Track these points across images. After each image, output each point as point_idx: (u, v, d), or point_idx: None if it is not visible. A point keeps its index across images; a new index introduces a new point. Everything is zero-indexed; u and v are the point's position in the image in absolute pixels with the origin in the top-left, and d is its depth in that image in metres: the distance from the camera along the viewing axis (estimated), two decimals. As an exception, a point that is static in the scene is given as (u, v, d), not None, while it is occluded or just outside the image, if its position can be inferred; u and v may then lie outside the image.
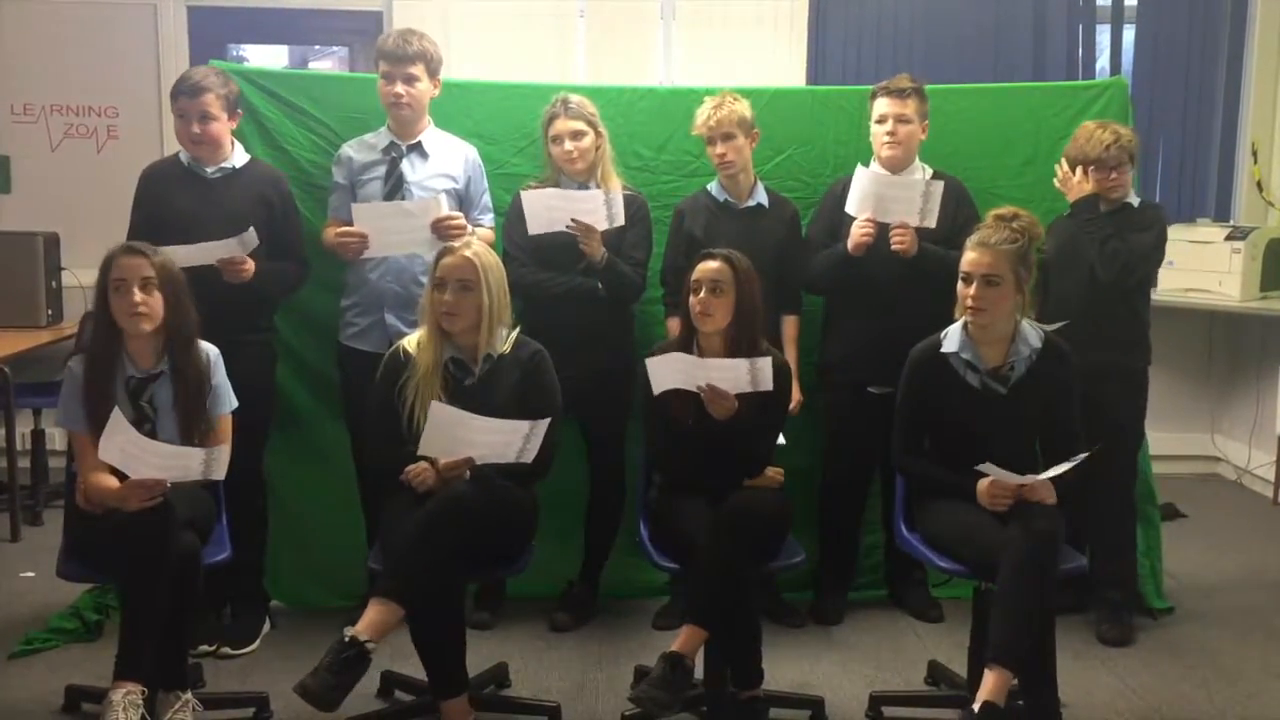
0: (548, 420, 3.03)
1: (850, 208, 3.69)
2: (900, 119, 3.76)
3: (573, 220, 3.58)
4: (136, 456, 2.85)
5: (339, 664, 2.77)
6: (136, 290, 2.98)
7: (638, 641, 3.76)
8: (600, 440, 3.89)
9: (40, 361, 4.99)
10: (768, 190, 3.90)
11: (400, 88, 3.66)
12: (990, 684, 2.79)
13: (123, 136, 5.73)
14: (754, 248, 3.53)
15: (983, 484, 3.01)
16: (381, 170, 3.73)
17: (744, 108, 3.78)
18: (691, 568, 3.08)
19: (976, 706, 2.77)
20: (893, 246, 3.63)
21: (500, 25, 5.65)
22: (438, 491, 2.98)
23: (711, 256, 3.27)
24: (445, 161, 3.78)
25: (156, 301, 3.01)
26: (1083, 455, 2.98)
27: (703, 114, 3.79)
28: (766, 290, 3.50)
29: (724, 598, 3.00)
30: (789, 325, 3.86)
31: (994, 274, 3.06)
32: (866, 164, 3.82)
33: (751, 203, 3.86)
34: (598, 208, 3.60)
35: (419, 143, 3.76)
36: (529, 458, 3.02)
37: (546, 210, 3.61)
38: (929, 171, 3.84)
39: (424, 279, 3.59)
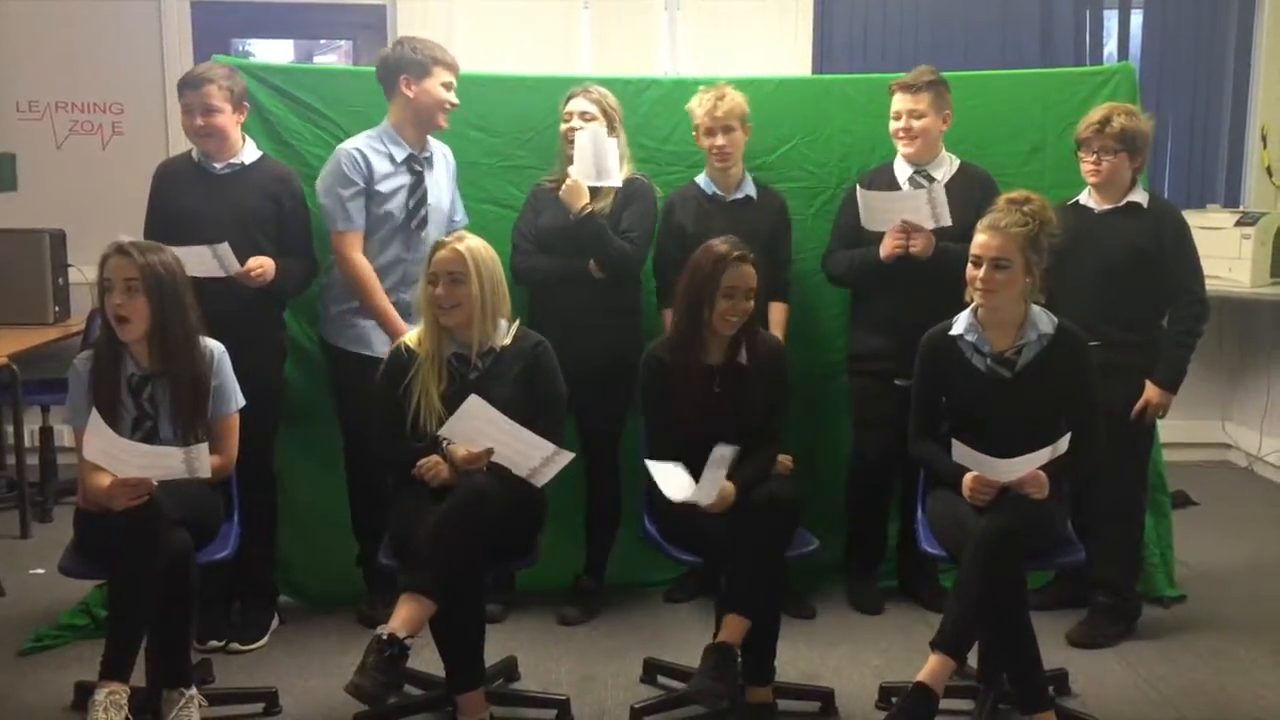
0: (571, 455, 3.05)
1: (869, 225, 3.70)
2: (914, 115, 3.75)
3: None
4: (118, 457, 2.84)
5: (384, 663, 2.78)
6: (118, 293, 2.97)
7: (646, 634, 3.76)
8: (595, 437, 3.85)
9: (48, 358, 4.99)
10: (756, 182, 3.90)
11: (455, 96, 3.66)
12: (929, 667, 2.87)
13: (128, 133, 5.72)
14: (743, 239, 3.52)
15: (966, 478, 3.01)
16: (403, 181, 3.66)
17: (743, 100, 3.78)
18: (726, 558, 3.07)
19: (911, 686, 2.85)
20: (911, 250, 3.63)
21: (505, 16, 5.63)
22: (455, 484, 2.98)
23: (744, 260, 3.21)
24: (443, 169, 3.78)
25: (138, 304, 2.98)
26: (1062, 441, 2.95)
27: (704, 105, 3.77)
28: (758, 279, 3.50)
29: (765, 585, 3.03)
30: (776, 311, 3.84)
31: (1003, 257, 3.05)
32: (885, 156, 3.89)
33: (740, 194, 3.86)
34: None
35: (430, 154, 3.74)
36: (539, 481, 3.04)
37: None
38: (955, 163, 3.83)
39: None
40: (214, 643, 3.57)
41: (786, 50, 5.73)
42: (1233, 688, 3.44)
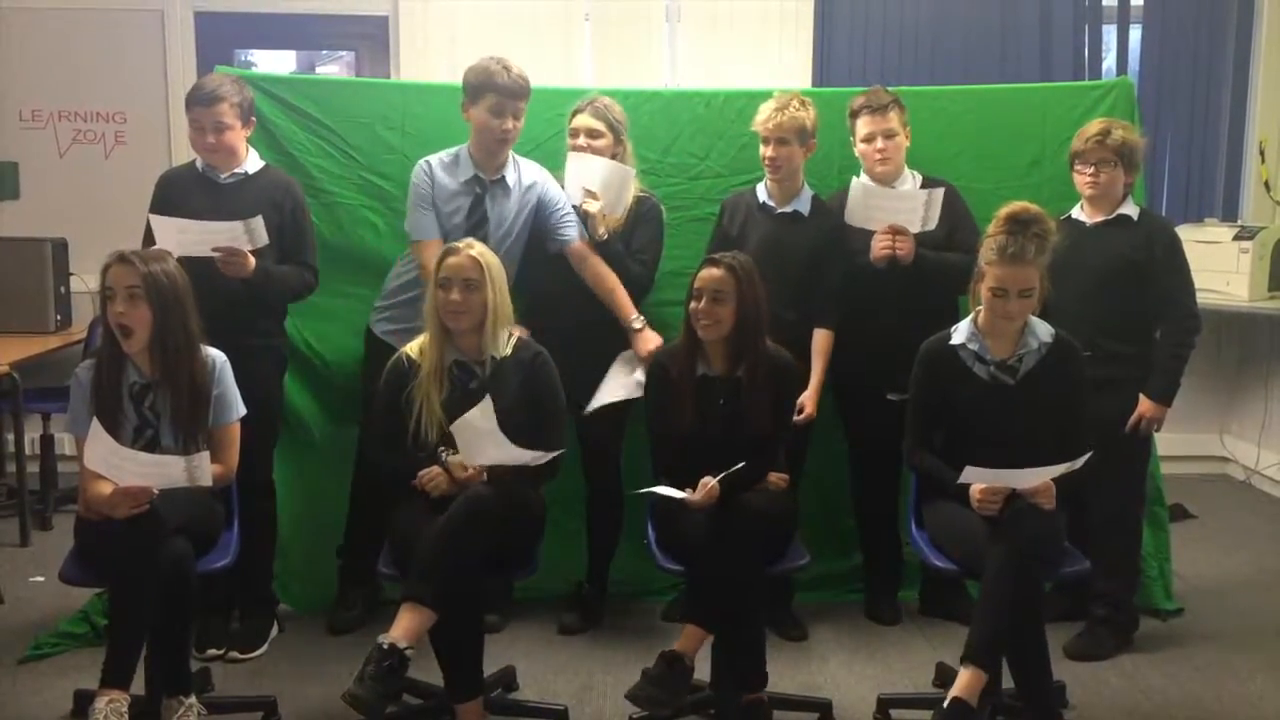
0: (561, 452, 3.08)
1: (851, 220, 3.70)
2: (887, 134, 3.75)
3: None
4: (119, 465, 2.85)
5: (383, 672, 2.78)
6: (120, 301, 2.98)
7: (646, 644, 3.74)
8: (595, 446, 3.86)
9: (49, 367, 5.01)
10: (815, 199, 3.84)
11: (510, 123, 3.60)
12: (962, 681, 2.84)
13: (130, 142, 5.74)
14: (781, 252, 3.53)
15: (974, 488, 3.01)
16: (465, 203, 3.66)
17: (806, 116, 3.71)
18: (695, 569, 3.09)
19: (946, 703, 2.82)
20: (897, 252, 3.63)
21: (506, 29, 5.64)
22: (454, 495, 3.00)
23: (714, 264, 3.26)
24: (521, 196, 3.72)
25: (140, 312, 2.98)
26: (1081, 459, 2.97)
27: (764, 112, 3.72)
28: (791, 297, 3.49)
29: (726, 599, 3.01)
30: (819, 338, 3.76)
31: (1030, 288, 3.08)
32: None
33: (789, 208, 3.80)
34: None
35: (502, 178, 3.70)
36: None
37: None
38: (919, 179, 3.84)
39: None
40: (213, 651, 3.57)
41: (786, 63, 5.74)
42: (1229, 700, 3.44)
